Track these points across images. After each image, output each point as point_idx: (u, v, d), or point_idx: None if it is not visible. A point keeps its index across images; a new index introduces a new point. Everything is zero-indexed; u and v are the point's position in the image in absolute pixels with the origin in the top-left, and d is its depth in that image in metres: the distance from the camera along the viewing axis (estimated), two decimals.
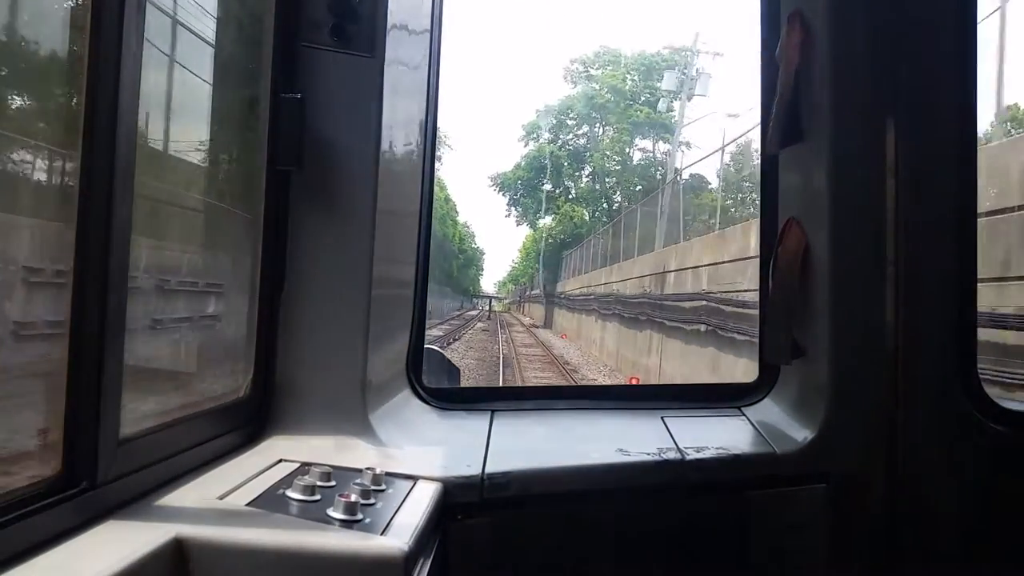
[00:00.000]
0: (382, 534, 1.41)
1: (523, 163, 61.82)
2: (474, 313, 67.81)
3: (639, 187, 52.50)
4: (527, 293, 77.94)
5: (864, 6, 2.18)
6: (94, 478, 1.25)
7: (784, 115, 2.23)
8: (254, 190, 1.92)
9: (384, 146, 1.95)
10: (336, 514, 1.42)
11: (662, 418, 2.36)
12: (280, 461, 1.71)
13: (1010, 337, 7.55)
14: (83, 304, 1.24)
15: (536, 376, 22.28)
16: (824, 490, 2.17)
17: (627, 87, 56.57)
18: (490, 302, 77.45)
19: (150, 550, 1.17)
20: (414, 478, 1.77)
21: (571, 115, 59.49)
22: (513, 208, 62.81)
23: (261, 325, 1.91)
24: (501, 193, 62.84)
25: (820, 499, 2.16)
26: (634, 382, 18.26)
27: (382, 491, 1.61)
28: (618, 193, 57.03)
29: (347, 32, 1.91)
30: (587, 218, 57.47)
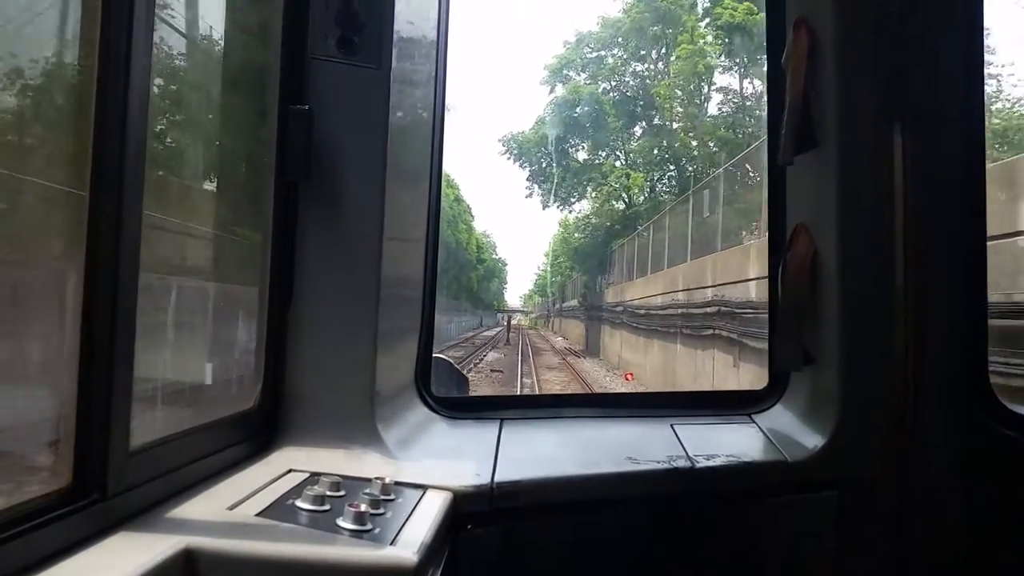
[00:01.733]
0: (392, 544, 1.41)
1: (548, 116, 40.37)
2: (491, 334, 50.34)
3: (715, 148, 34.75)
4: (556, 306, 62.08)
5: (870, 12, 2.18)
6: (104, 489, 1.25)
7: (796, 125, 2.22)
8: (261, 202, 1.93)
9: (391, 157, 1.96)
10: (345, 524, 1.42)
11: (672, 426, 2.35)
12: (290, 471, 1.71)
13: None
14: (93, 315, 1.25)
15: None
16: (835, 497, 2.15)
17: None
18: (507, 320, 58.77)
19: (160, 561, 1.18)
20: (423, 487, 1.77)
21: (615, 48, 38.59)
22: (536, 184, 41.42)
23: (271, 335, 1.91)
24: (519, 163, 41.33)
25: (831, 506, 2.15)
26: None
27: (391, 501, 1.61)
28: (685, 160, 37.08)
29: (354, 44, 1.93)
30: (646, 192, 37.88)
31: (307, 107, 1.90)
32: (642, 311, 25.02)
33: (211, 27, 1.91)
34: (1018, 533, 2.15)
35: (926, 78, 2.18)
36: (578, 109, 39.08)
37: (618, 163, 39.27)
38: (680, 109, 37.82)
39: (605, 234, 38.50)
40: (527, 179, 41.86)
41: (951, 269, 2.18)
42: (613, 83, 39.80)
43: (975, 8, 2.22)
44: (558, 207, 42.61)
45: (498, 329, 55.42)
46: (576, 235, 43.41)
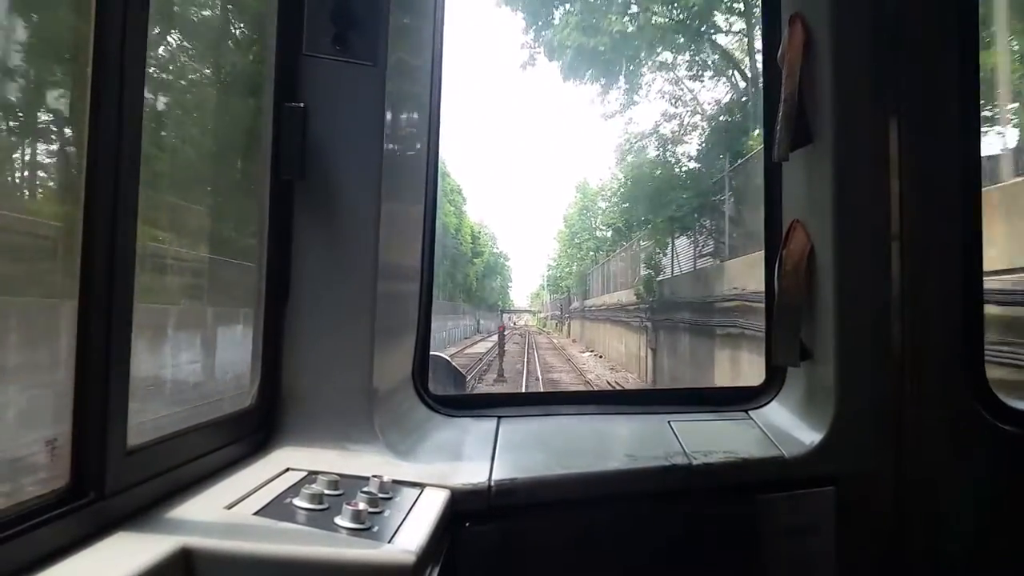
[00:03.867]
0: (390, 542, 1.41)
1: None
2: (482, 351, 35.33)
3: None
4: (574, 304, 48.27)
5: (865, 7, 2.18)
6: (102, 489, 1.25)
7: (791, 120, 2.22)
8: (256, 201, 1.92)
9: (387, 154, 1.96)
10: (343, 522, 1.42)
11: (669, 422, 2.36)
12: (287, 470, 1.71)
13: None
14: (89, 313, 1.24)
15: None
16: (833, 492, 2.15)
17: None
18: (500, 332, 33.11)
19: (158, 561, 1.17)
20: (421, 486, 1.77)
21: None
22: (540, 40, 22.17)
23: (267, 334, 1.91)
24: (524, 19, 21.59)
25: (829, 502, 2.15)
26: None
27: (389, 499, 1.61)
28: None
29: (349, 41, 1.92)
30: None
31: (302, 104, 1.89)
32: None
33: (205, 24, 1.90)
34: (1015, 527, 2.16)
35: (922, 73, 2.18)
36: None
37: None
38: None
39: (715, 137, 18.57)
40: (524, 30, 22.01)
41: (947, 264, 2.18)
42: None
43: (970, 1, 2.23)
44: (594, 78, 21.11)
45: (493, 342, 37.52)
46: (630, 162, 22.89)
